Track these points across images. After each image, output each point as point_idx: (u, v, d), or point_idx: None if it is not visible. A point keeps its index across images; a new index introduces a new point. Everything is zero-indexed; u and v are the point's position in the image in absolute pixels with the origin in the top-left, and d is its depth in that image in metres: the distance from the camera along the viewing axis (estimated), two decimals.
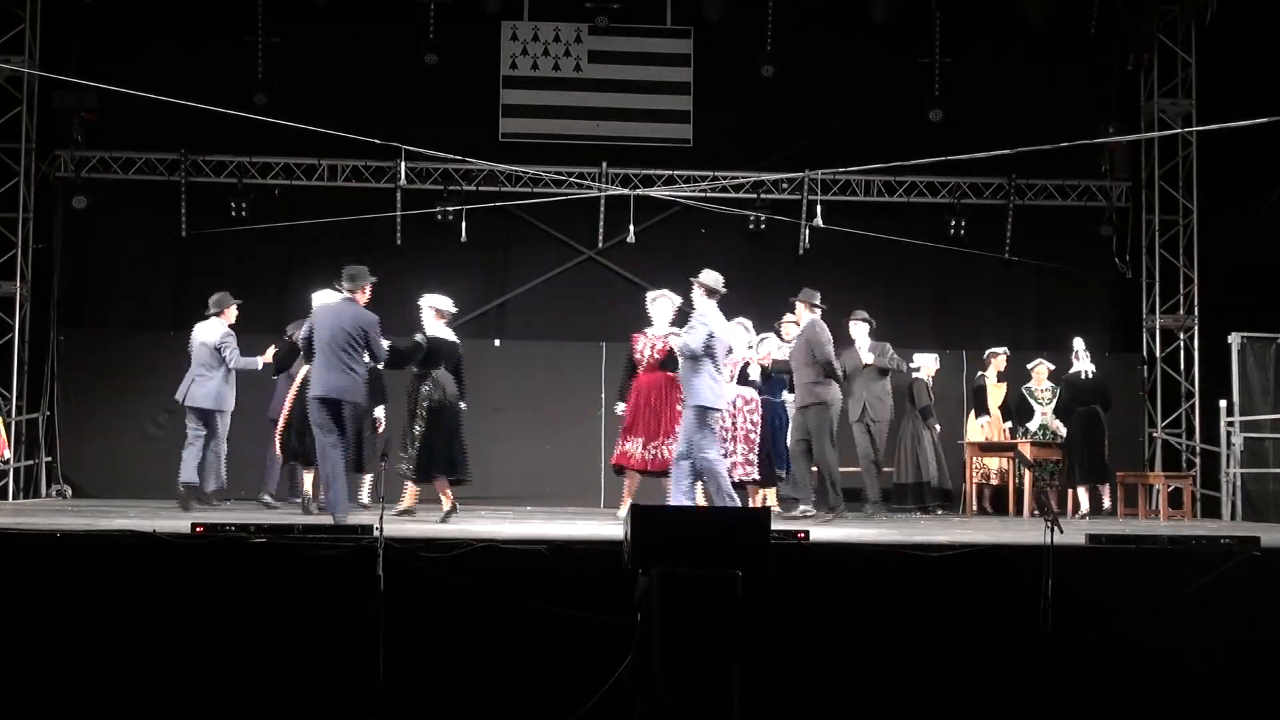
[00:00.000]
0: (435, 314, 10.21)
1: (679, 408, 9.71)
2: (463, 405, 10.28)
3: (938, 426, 12.84)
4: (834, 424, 10.95)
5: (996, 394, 13.26)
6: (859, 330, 11.86)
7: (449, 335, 10.30)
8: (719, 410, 9.19)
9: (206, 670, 6.46)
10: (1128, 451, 13.88)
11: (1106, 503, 12.84)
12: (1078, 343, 12.88)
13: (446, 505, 9.93)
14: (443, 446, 10.02)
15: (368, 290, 9.15)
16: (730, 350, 9.59)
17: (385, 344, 9.18)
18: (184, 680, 6.44)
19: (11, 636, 6.43)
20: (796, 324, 11.34)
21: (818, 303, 11.00)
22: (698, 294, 9.21)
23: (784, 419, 11.58)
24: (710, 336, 8.93)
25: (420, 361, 9.95)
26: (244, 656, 6.46)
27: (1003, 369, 13.26)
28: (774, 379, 11.40)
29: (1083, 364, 12.76)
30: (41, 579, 6.51)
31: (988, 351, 13.33)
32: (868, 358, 11.75)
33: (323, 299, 10.03)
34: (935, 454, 12.71)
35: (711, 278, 9.24)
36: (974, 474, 12.86)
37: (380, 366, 9.66)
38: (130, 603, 6.47)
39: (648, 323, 10.38)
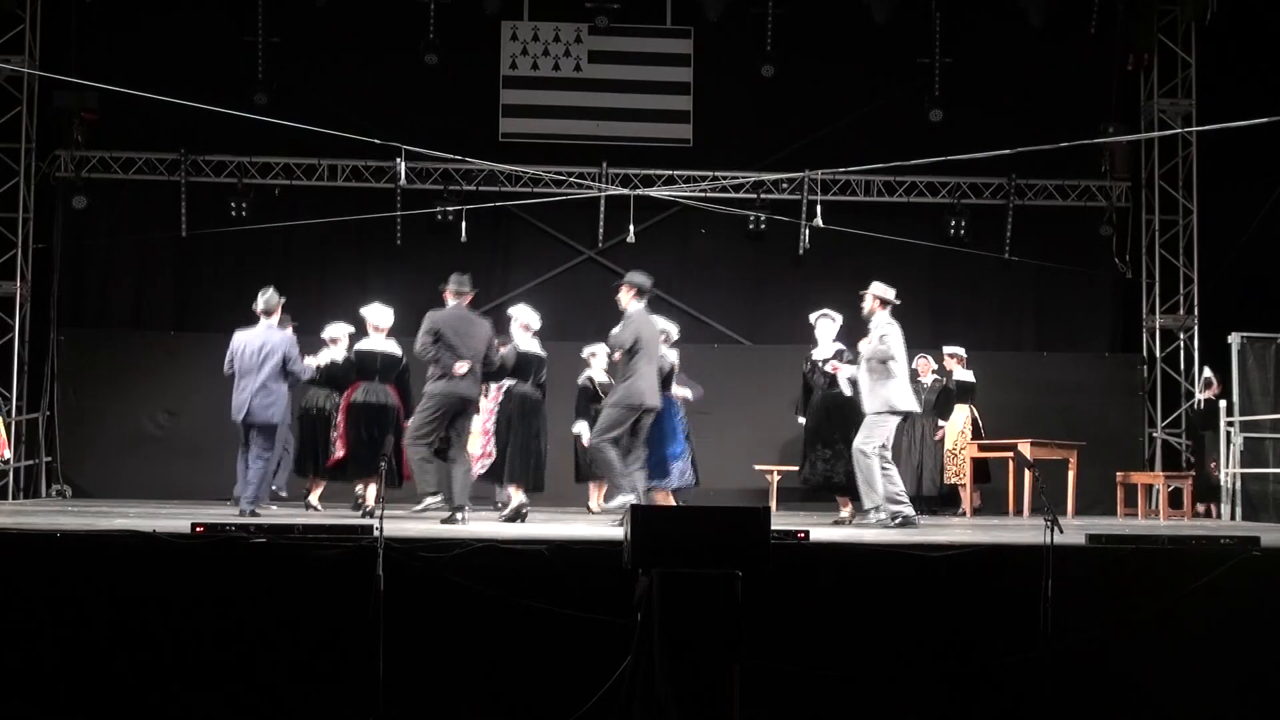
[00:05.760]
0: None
1: None
2: None
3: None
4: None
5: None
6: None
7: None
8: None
9: (206, 670, 6.45)
10: (1128, 451, 13.87)
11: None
12: (1205, 371, 13.33)
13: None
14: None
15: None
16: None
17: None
18: (184, 680, 6.43)
19: (12, 636, 6.43)
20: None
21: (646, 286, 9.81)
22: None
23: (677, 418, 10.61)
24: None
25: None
26: (244, 656, 6.46)
27: (941, 368, 13.05)
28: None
29: (1199, 394, 13.36)
30: (41, 579, 6.50)
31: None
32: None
33: (372, 314, 10.59)
34: (920, 459, 12.63)
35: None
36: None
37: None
38: (130, 603, 6.47)
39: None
